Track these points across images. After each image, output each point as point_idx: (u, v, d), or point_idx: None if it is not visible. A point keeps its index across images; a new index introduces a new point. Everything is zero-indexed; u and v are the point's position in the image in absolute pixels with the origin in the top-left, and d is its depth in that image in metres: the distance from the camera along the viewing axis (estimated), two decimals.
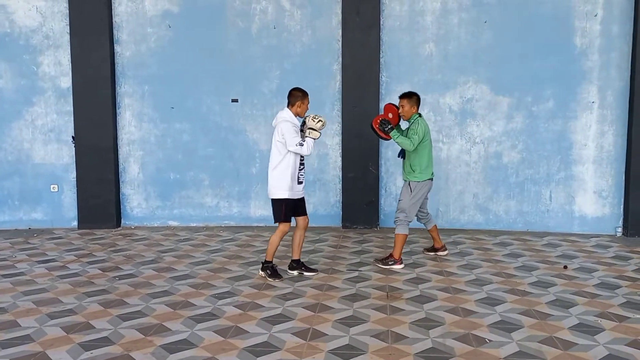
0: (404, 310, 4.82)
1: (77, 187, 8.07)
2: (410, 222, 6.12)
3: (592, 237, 7.48)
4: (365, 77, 7.73)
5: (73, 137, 8.06)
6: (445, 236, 7.49)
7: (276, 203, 5.57)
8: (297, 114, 5.58)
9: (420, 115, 6.09)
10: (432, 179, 6.18)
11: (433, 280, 5.63)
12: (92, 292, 5.32)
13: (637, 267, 6.10)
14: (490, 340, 4.18)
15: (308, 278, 5.72)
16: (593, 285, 5.47)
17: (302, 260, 5.95)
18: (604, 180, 7.65)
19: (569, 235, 7.60)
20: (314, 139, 5.51)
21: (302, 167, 5.60)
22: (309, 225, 7.86)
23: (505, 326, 4.44)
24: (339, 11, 7.78)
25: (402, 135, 6.03)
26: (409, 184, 6.06)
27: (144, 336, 4.28)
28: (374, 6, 7.65)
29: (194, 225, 8.27)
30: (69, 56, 7.96)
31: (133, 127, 8.18)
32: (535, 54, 7.58)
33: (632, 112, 7.33)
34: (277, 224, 5.65)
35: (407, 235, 6.11)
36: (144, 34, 8.05)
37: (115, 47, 8.03)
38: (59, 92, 8.09)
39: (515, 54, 7.64)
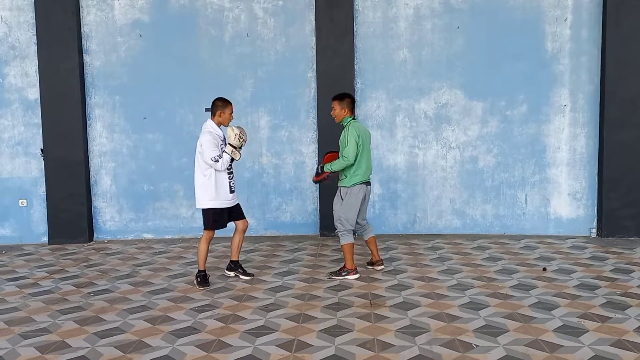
0: (388, 317, 4.77)
1: (47, 201, 7.85)
2: (351, 229, 5.87)
3: (567, 239, 7.57)
4: (340, 84, 7.68)
5: (42, 150, 7.83)
6: (423, 241, 7.51)
7: (204, 212, 5.70)
8: (219, 124, 5.70)
9: (354, 118, 5.90)
10: (366, 184, 5.89)
11: (415, 287, 5.60)
12: (66, 309, 5.14)
13: (614, 267, 6.18)
14: (477, 346, 4.16)
15: (289, 287, 5.63)
16: (573, 287, 5.51)
17: (241, 262, 6.16)
18: (577, 182, 7.76)
19: (545, 237, 7.68)
20: (231, 157, 5.57)
21: (231, 175, 5.69)
22: (287, 234, 7.98)
23: (491, 331, 4.43)
24: (313, 18, 7.75)
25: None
26: (339, 191, 5.90)
27: (123, 354, 4.14)
28: (347, 13, 7.64)
29: (169, 237, 8.10)
30: (36, 67, 7.75)
31: (104, 138, 7.99)
32: (507, 58, 7.67)
33: (603, 115, 7.46)
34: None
35: (352, 243, 5.87)
36: (114, 43, 7.88)
37: (84, 57, 7.84)
38: (26, 104, 7.87)
39: (488, 58, 7.71)
